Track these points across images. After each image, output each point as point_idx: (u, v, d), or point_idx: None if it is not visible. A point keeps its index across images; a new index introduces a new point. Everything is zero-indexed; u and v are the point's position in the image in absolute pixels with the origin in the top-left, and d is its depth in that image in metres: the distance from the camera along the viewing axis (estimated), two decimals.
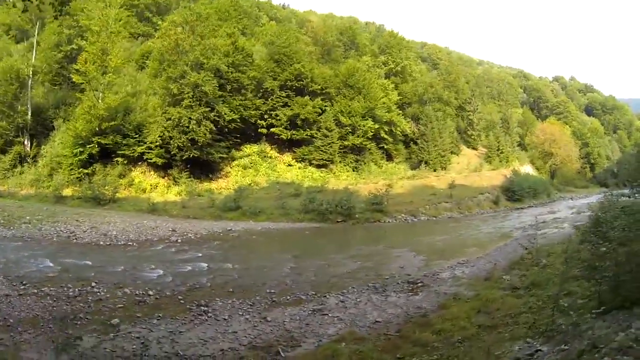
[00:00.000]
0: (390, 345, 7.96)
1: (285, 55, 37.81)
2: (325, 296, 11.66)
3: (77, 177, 30.83)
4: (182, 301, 10.96)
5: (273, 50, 38.68)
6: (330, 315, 10.13)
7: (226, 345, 8.22)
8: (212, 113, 30.61)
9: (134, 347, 7.70)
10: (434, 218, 30.08)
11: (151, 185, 31.41)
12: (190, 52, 30.05)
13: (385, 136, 42.10)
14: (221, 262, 15.95)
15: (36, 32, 37.99)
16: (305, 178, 35.31)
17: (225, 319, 9.72)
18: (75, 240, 18.61)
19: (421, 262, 16.03)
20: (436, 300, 10.78)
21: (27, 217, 21.48)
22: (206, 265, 15.51)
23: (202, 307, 10.42)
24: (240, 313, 10.25)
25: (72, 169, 31.18)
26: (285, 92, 37.19)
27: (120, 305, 10.20)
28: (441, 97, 48.45)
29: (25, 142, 35.59)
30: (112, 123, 30.44)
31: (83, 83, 30.60)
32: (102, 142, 30.95)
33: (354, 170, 38.60)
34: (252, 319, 9.81)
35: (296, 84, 37.22)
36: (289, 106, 36.69)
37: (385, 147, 42.70)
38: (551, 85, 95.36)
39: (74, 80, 31.74)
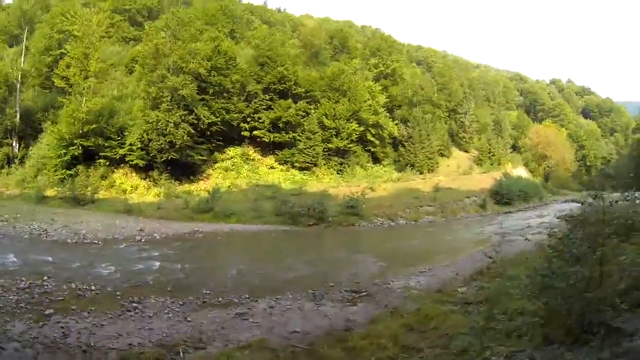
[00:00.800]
0: (290, 359, 7.86)
1: (269, 58, 38.05)
2: (257, 301, 11.66)
3: (60, 178, 31.39)
4: (118, 297, 11.43)
5: (257, 53, 38.95)
6: (251, 320, 10.16)
7: (137, 340, 8.49)
8: (191, 116, 30.91)
9: (55, 335, 8.24)
10: (414, 222, 29.79)
11: (132, 187, 31.81)
12: (170, 57, 30.40)
13: (372, 139, 42.01)
14: (174, 262, 16.20)
15: (25, 37, 38.83)
16: (286, 181, 35.39)
17: (149, 316, 10.06)
18: (45, 238, 19.38)
19: (379, 270, 15.61)
20: (371, 313, 10.34)
21: (5, 215, 22.15)
22: (158, 264, 15.91)
23: (134, 304, 10.83)
24: (167, 311, 10.54)
25: (55, 170, 31.83)
26: (269, 95, 37.41)
27: (60, 298, 10.84)
28: (431, 100, 48.14)
29: (14, 144, 36.43)
30: (94, 126, 30.94)
31: (65, 87, 31.12)
32: (85, 144, 31.48)
33: (338, 173, 38.55)
34: (174, 318, 10.08)
35: (279, 87, 37.41)
36: (272, 109, 36.87)
37: (372, 149, 42.58)
38: (548, 88, 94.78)
39: (56, 84, 32.31)
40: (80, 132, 31.30)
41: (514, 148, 59.41)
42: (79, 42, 31.05)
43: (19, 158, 35.54)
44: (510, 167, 52.00)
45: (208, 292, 12.53)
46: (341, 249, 20.36)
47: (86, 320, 9.25)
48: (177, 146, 30.39)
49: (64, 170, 31.74)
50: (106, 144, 31.95)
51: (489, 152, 49.74)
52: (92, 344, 8.02)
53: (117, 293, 11.79)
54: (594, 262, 4.80)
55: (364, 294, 12.16)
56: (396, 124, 45.38)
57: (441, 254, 18.37)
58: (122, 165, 33.01)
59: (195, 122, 31.52)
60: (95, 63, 30.40)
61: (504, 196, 41.95)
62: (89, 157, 32.63)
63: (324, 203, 25.86)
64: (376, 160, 43.52)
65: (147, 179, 32.50)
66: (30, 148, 35.70)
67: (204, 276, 14.44)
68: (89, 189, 29.78)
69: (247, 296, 12.09)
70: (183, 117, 30.44)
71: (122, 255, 17.43)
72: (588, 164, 62.32)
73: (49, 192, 30.48)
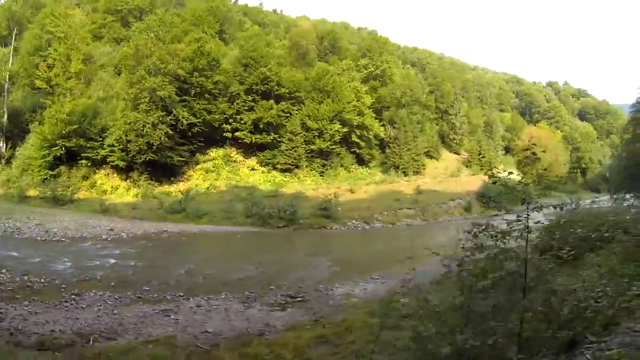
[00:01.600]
0: (184, 358, 8.12)
1: (253, 59, 38.55)
2: (188, 299, 12.05)
3: (43, 179, 32.25)
4: (62, 289, 12.23)
5: (241, 54, 39.51)
6: (172, 317, 10.56)
7: (60, 328, 9.22)
8: (169, 117, 31.51)
9: None
10: (391, 225, 29.76)
11: (112, 187, 32.55)
12: (149, 58, 31.06)
13: (357, 140, 42.20)
14: (129, 260, 16.80)
15: (13, 38, 39.87)
16: (267, 182, 35.80)
17: (82, 308, 10.81)
18: (17, 235, 20.52)
19: (330, 274, 15.49)
20: (294, 320, 10.16)
21: None
22: (113, 261, 16.63)
23: (73, 296, 11.63)
24: (100, 304, 11.24)
25: (39, 171, 32.71)
26: (252, 96, 37.87)
27: (10, 288, 11.83)
28: (419, 101, 48.17)
29: (1, 144, 37.45)
30: (75, 127, 31.74)
31: (47, 88, 31.96)
32: (67, 145, 32.32)
33: (320, 175, 38.82)
34: (102, 311, 10.75)
35: (262, 88, 37.85)
36: (255, 110, 37.33)
37: (358, 151, 42.77)
38: (544, 90, 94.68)
39: (37, 85, 33.18)
40: (63, 133, 32.23)
41: (508, 150, 59.07)
42: (61, 43, 31.88)
43: (6, 158, 36.52)
44: (502, 169, 51.76)
45: (147, 289, 13.04)
46: (301, 251, 20.53)
47: (24, 308, 10.10)
48: (154, 147, 30.99)
49: (47, 170, 32.63)
50: (88, 145, 32.78)
51: (479, 154, 49.57)
52: (20, 328, 8.81)
53: (63, 286, 12.55)
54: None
55: (299, 299, 12.18)
56: (382, 125, 45.56)
57: (404, 260, 18.20)
58: (103, 166, 33.80)
59: (174, 123, 32.11)
60: (77, 64, 31.14)
61: (492, 199, 41.82)
62: (71, 157, 33.48)
63: (294, 205, 26.15)
64: (362, 162, 43.72)
65: (128, 180, 33.21)
66: (17, 149, 36.71)
67: (151, 274, 14.89)
68: (71, 189, 30.65)
69: (181, 294, 12.48)
70: (161, 118, 31.06)
71: (83, 252, 18.16)
72: (583, 166, 61.82)
73: (32, 192, 31.36)
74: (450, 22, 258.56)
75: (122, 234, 21.87)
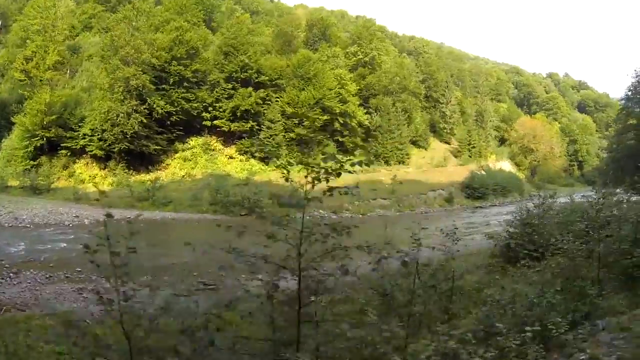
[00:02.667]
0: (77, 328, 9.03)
1: (233, 47, 38.99)
2: (109, 280, 12.91)
3: (25, 169, 33.73)
4: (6, 269, 13.19)
5: (222, 42, 39.98)
6: (84, 295, 11.41)
7: None
8: (143, 106, 32.39)
9: None
10: (360, 216, 30.06)
11: (90, 176, 33.75)
12: (124, 48, 31.87)
13: (341, 128, 42.31)
14: (78, 244, 17.73)
15: None
16: (244, 171, 36.47)
17: (14, 284, 11.90)
18: None
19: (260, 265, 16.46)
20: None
21: None
22: (64, 245, 17.72)
23: (11, 274, 12.64)
24: (29, 282, 12.29)
25: (21, 161, 34.20)
26: (232, 84, 38.39)
27: None
28: (407, 88, 47.79)
29: None
30: (54, 117, 32.98)
31: (25, 80, 33.18)
32: (47, 135, 33.62)
33: (299, 163, 39.16)
34: (27, 287, 11.79)
35: (241, 76, 38.31)
36: (234, 98, 37.87)
37: (341, 139, 42.84)
38: (544, 81, 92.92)
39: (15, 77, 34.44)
40: (43, 123, 33.54)
41: (503, 141, 58.31)
42: (39, 36, 33.02)
43: None
44: (494, 159, 51.25)
45: (79, 269, 13.93)
46: (248, 240, 21.12)
47: None
48: (129, 136, 31.99)
49: (29, 160, 34.05)
50: (67, 135, 34.07)
51: (469, 144, 49.13)
52: None
53: (6, 265, 13.67)
54: None
55: (211, 287, 12.26)
56: (368, 113, 45.53)
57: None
58: (83, 155, 35.07)
59: (148, 112, 32.99)
60: (53, 56, 32.21)
61: (477, 190, 41.68)
62: (52, 148, 34.82)
63: (259, 193, 26.74)
64: (346, 150, 43.84)
65: (106, 169, 34.44)
66: (3, 140, 38.32)
67: (89, 257, 15.86)
68: (44, 178, 32.03)
69: (102, 276, 13.37)
70: (135, 108, 31.96)
71: (41, 237, 19.38)
72: (580, 158, 60.51)
73: (13, 182, 32.92)
74: (454, 13, 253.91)
75: (85, 221, 22.98)
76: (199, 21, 44.48)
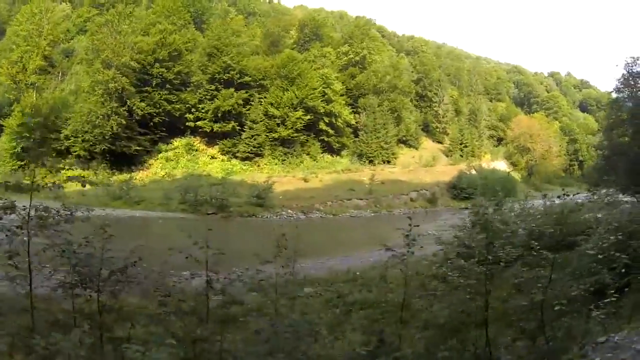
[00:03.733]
0: None
1: (216, 48, 40.02)
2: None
3: (12, 169, 35.54)
4: None
5: (207, 43, 41.07)
6: None
7: None
8: (123, 108, 33.68)
9: None
10: (331, 216, 30.30)
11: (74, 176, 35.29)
12: (104, 51, 33.25)
13: (326, 128, 42.74)
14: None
15: None
16: (224, 171, 37.34)
17: None
18: None
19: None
20: None
21: None
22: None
23: None
24: None
25: (8, 162, 36.05)
26: (215, 85, 39.41)
27: None
28: (398, 87, 47.87)
29: None
30: (38, 119, 34.64)
31: (11, 84, 34.96)
32: (33, 137, 35.28)
33: (283, 163, 39.89)
34: None
35: (224, 77, 39.28)
36: (216, 99, 38.86)
37: (327, 139, 43.31)
38: (545, 80, 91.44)
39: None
40: (30, 125, 35.27)
41: (501, 140, 57.60)
42: (26, 41, 34.79)
43: None
44: (488, 159, 50.75)
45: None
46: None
47: None
48: (108, 137, 33.31)
49: (16, 161, 35.90)
50: (52, 136, 35.73)
51: (461, 143, 48.78)
52: None
53: None
54: None
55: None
56: (357, 113, 45.82)
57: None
58: (69, 156, 36.69)
59: (128, 114, 34.27)
60: (36, 61, 33.89)
61: (464, 191, 41.37)
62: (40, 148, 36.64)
63: (228, 192, 27.50)
64: (332, 150, 44.33)
65: (90, 169, 35.93)
66: None
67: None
68: (27, 177, 33.67)
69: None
70: (114, 109, 33.29)
71: None
72: (581, 158, 59.17)
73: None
74: (459, 14, 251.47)
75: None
76: (187, 23, 45.69)
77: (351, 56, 51.50)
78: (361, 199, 33.70)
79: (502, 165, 51.13)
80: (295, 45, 52.77)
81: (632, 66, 22.79)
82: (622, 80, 29.66)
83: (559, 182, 53.33)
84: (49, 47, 37.64)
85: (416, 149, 49.10)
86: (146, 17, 42.81)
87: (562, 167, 53.00)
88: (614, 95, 34.22)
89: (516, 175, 52.24)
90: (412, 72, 56.85)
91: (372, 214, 32.44)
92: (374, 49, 53.07)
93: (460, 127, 50.40)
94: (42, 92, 39.55)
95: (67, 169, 35.79)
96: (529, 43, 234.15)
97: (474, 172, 46.79)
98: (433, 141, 52.23)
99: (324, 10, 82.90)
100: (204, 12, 54.12)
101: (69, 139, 35.59)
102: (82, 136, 33.93)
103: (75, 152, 35.56)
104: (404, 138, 48.60)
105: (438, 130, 52.51)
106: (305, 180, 35.12)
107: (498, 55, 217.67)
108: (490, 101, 66.41)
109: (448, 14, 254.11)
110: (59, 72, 42.03)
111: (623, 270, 4.77)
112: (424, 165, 44.85)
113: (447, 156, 48.75)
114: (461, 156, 47.68)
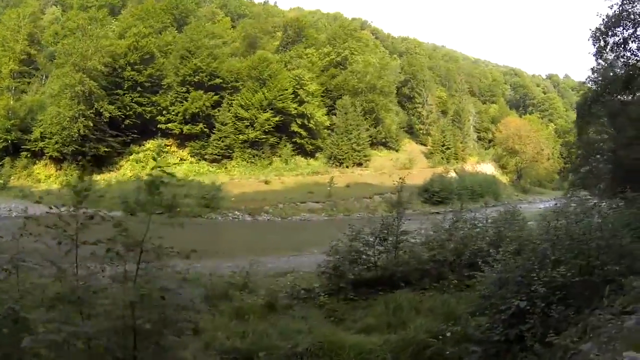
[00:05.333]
0: None
1: (188, 50, 42.02)
2: None
3: None
4: None
5: (180, 46, 43.14)
6: None
7: None
8: (90, 111, 36.11)
9: None
10: (279, 219, 31.19)
11: (45, 176, 38.03)
12: (72, 55, 35.79)
13: (299, 129, 43.81)
14: None
15: None
16: (192, 173, 39.18)
17: None
18: None
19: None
20: None
21: None
22: None
23: None
24: None
25: None
26: (186, 87, 41.38)
27: None
28: (376, 87, 48.48)
29: None
30: (12, 121, 37.63)
31: None
32: (8, 138, 38.40)
33: (251, 165, 41.33)
34: None
35: (194, 79, 41.19)
36: (187, 101, 40.81)
37: (299, 141, 44.30)
38: (543, 83, 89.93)
39: None
40: (7, 127, 38.41)
41: (492, 143, 57.16)
42: (3, 46, 37.88)
43: None
44: (474, 161, 50.65)
45: None
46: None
47: None
48: (75, 139, 35.79)
49: None
50: (27, 138, 38.65)
51: (442, 145, 48.89)
52: None
53: None
54: None
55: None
56: (333, 114, 46.77)
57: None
58: (43, 157, 39.55)
59: (95, 116, 36.69)
60: (9, 65, 36.80)
61: (437, 194, 41.64)
62: (16, 149, 39.66)
63: (179, 194, 29.16)
64: (306, 152, 45.36)
65: (61, 170, 38.62)
66: None
67: None
68: (9, 178, 36.71)
69: None
70: (81, 112, 35.75)
71: None
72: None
73: None
74: (457, 16, 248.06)
75: (14, 214, 26.78)
76: (166, 26, 47.98)
77: (333, 57, 52.53)
78: (317, 202, 34.57)
79: (489, 168, 50.92)
80: (280, 47, 54.39)
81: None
82: (596, 70, 28.02)
83: (551, 186, 52.69)
84: (26, 52, 40.63)
85: (396, 150, 49.54)
86: (123, 21, 45.35)
87: (556, 170, 52.15)
88: (590, 84, 32.89)
89: (503, 179, 51.90)
90: (400, 73, 57.32)
91: (326, 218, 33.14)
92: (357, 49, 53.86)
93: (442, 128, 50.48)
94: (23, 95, 42.65)
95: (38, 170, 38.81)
96: (529, 46, 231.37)
97: (453, 174, 46.98)
98: (417, 143, 52.56)
99: (319, 12, 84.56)
100: (187, 14, 56.45)
101: (43, 140, 38.38)
102: (53, 138, 36.54)
103: (48, 153, 38.31)
104: (383, 140, 49.17)
105: (422, 131, 52.80)
106: (266, 183, 36.47)
107: (498, 58, 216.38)
108: (484, 103, 65.97)
109: (450, 17, 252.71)
110: (42, 75, 45.11)
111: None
112: (400, 167, 45.23)
113: (428, 158, 49.00)
114: (443, 158, 47.83)
